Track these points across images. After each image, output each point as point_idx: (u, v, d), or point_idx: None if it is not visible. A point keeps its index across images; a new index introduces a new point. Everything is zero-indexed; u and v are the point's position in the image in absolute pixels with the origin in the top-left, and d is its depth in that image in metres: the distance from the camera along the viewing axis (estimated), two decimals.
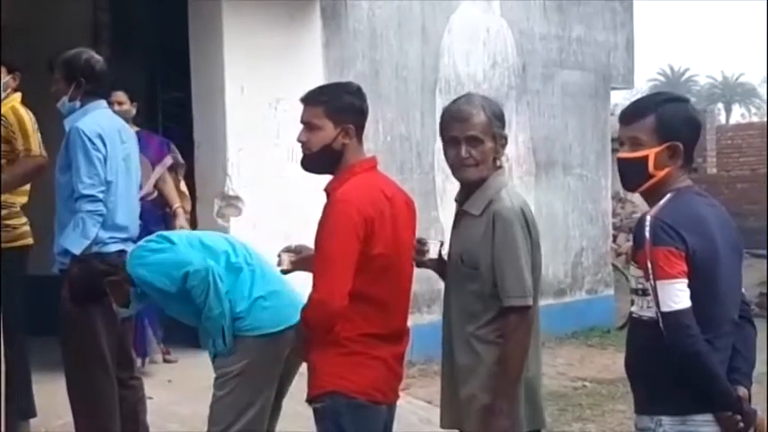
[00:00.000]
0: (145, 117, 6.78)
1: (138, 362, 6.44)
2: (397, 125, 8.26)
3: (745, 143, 19.72)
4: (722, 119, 51.98)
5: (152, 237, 4.20)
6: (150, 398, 6.06)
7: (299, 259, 3.76)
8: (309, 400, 3.54)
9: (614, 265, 11.01)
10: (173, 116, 7.51)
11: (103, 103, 4.77)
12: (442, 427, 3.57)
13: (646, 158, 3.02)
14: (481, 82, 9.02)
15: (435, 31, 8.67)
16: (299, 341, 3.66)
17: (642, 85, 64.81)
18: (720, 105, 65.20)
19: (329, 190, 3.55)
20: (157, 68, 8.23)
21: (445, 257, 3.55)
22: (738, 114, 65.84)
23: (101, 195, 4.49)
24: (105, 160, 4.54)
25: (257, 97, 6.99)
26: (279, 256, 3.81)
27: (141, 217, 6.37)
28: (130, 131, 4.91)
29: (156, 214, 6.57)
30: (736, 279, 3.07)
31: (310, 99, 3.58)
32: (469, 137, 3.39)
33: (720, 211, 3.10)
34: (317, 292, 3.42)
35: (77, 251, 4.43)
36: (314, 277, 3.47)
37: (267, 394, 4.09)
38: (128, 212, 4.72)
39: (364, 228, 3.42)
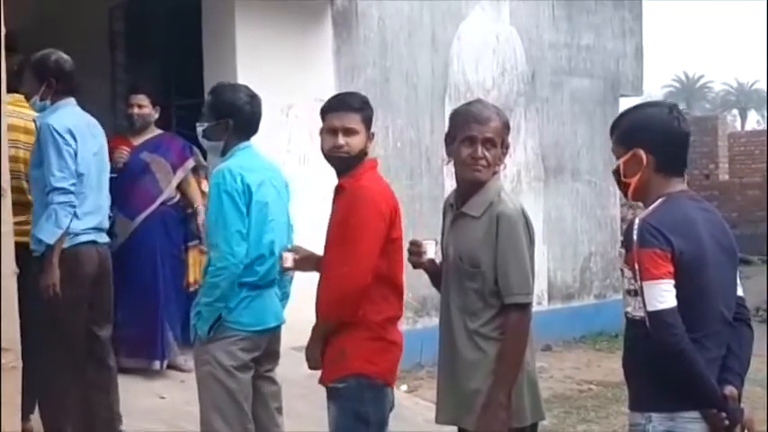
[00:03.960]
0: (159, 123, 6.90)
1: (156, 364, 6.58)
2: (407, 131, 8.39)
3: (758, 150, 19.66)
4: (738, 125, 51.86)
5: (239, 183, 4.22)
6: (163, 397, 6.20)
7: (301, 258, 4.09)
8: (332, 380, 3.79)
9: (622, 271, 11.07)
10: (186, 122, 7.65)
11: (73, 100, 4.92)
12: (438, 422, 3.70)
13: (618, 169, 3.18)
14: (490, 89, 9.13)
15: (445, 39, 8.78)
16: (316, 333, 3.90)
17: (657, 92, 64.94)
18: (736, 112, 65.03)
19: (346, 185, 3.87)
20: (171, 75, 8.37)
21: (436, 258, 3.71)
22: (754, 121, 65.64)
23: (72, 188, 4.66)
24: (76, 154, 4.71)
25: (269, 104, 6.99)
26: (281, 256, 4.14)
27: (162, 220, 6.56)
28: (99, 127, 5.04)
29: (176, 217, 6.69)
30: (729, 281, 3.15)
31: (347, 107, 3.93)
32: (486, 138, 3.54)
33: (713, 215, 3.19)
34: (343, 266, 3.72)
35: (51, 241, 4.61)
36: (337, 258, 3.78)
37: (235, 385, 4.26)
38: (99, 205, 4.91)
39: (389, 214, 3.82)
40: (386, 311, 3.83)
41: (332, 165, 3.98)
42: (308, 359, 3.94)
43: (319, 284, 3.99)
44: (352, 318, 3.76)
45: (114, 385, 5.11)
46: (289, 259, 4.08)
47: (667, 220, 3.04)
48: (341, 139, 3.87)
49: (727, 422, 2.98)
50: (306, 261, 4.10)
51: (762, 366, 8.30)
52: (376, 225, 3.77)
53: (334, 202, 4.00)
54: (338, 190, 3.93)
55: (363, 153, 3.94)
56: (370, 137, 3.97)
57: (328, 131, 3.92)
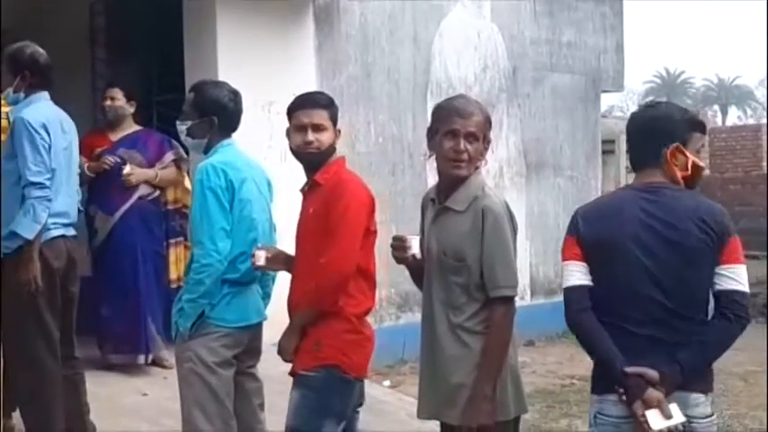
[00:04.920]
0: (140, 119, 6.89)
1: (141, 358, 6.58)
2: (389, 127, 8.39)
3: (739, 145, 19.80)
4: (719, 121, 52.16)
5: (224, 179, 4.21)
6: (146, 394, 6.19)
7: (273, 256, 4.09)
8: (304, 369, 3.81)
9: None
10: (167, 118, 7.64)
11: (46, 94, 4.90)
12: (420, 417, 3.73)
13: None
14: (472, 85, 9.14)
15: (426, 35, 8.79)
16: (295, 323, 3.92)
17: (638, 88, 65.27)
18: (716, 107, 65.38)
19: (321, 180, 3.91)
20: (152, 71, 8.35)
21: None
22: (735, 116, 66.06)
23: (48, 182, 4.65)
24: (50, 149, 4.70)
25: (250, 100, 6.99)
26: (253, 254, 4.10)
27: (141, 215, 6.55)
28: (71, 122, 5.01)
29: (157, 212, 6.69)
30: (671, 272, 3.15)
31: (315, 104, 3.98)
32: (469, 133, 3.55)
33: (661, 206, 3.21)
34: (326, 256, 3.76)
35: (30, 236, 4.60)
36: (318, 249, 3.81)
37: (217, 382, 4.24)
38: (68, 199, 4.90)
39: (370, 206, 3.90)
40: (363, 304, 3.90)
41: (302, 161, 4.00)
42: (282, 351, 3.95)
43: (294, 277, 4.01)
44: (332, 308, 3.80)
45: (81, 376, 5.10)
46: (261, 257, 4.07)
47: (588, 209, 3.32)
48: (310, 136, 3.91)
49: (624, 398, 3.11)
50: (276, 260, 4.12)
51: (742, 360, 8.37)
52: (359, 217, 3.85)
53: (306, 197, 4.02)
54: (312, 185, 3.97)
55: (332, 149, 3.99)
56: (336, 133, 4.03)
57: (296, 129, 3.96)
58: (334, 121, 4.01)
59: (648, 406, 3.07)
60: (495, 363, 3.47)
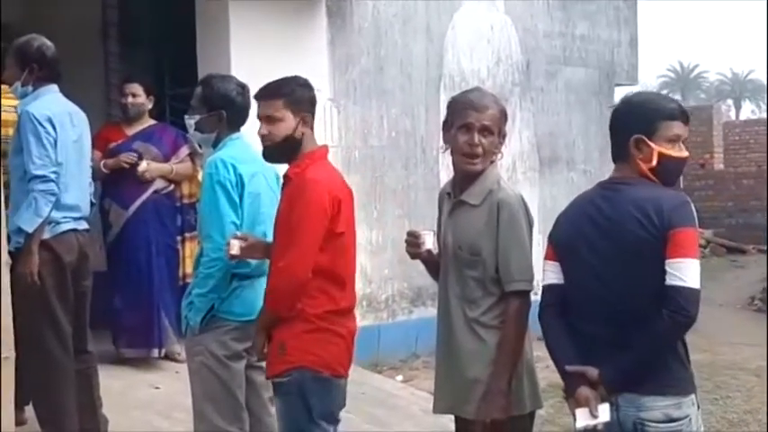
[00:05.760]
0: (152, 113, 6.89)
1: (155, 352, 6.59)
2: (402, 121, 8.37)
3: (753, 139, 19.72)
4: (732, 115, 52.01)
5: (229, 172, 4.19)
6: (158, 388, 6.19)
7: (248, 246, 4.00)
8: (275, 376, 3.75)
9: None
10: (180, 112, 7.64)
11: (55, 87, 4.90)
12: (436, 411, 3.70)
13: None
14: (485, 79, 9.09)
15: (439, 28, 8.75)
16: (259, 323, 3.88)
17: (652, 81, 65.05)
18: (730, 102, 65.19)
19: (291, 175, 3.79)
20: (165, 65, 8.35)
21: (433, 248, 3.69)
22: (749, 111, 65.82)
23: (53, 176, 4.63)
24: (56, 142, 4.69)
25: None
26: (228, 243, 4.01)
27: (156, 209, 6.55)
28: (82, 115, 5.01)
29: (171, 206, 6.68)
30: (619, 272, 3.09)
31: (267, 94, 3.82)
32: (483, 126, 3.53)
33: (613, 204, 3.15)
34: (283, 260, 3.66)
35: (30, 229, 4.60)
36: (279, 250, 3.72)
37: (228, 375, 4.25)
38: (79, 193, 4.90)
39: (332, 207, 3.70)
40: (324, 305, 3.72)
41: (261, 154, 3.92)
42: (254, 351, 3.94)
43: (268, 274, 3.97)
44: (290, 312, 3.70)
45: (95, 370, 5.11)
46: (235, 246, 3.98)
47: (566, 209, 3.33)
48: (263, 129, 3.81)
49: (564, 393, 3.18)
50: (253, 248, 4.02)
51: (754, 355, 8.33)
52: (317, 221, 3.68)
53: (282, 190, 3.93)
54: (285, 179, 3.87)
55: (293, 139, 3.79)
56: (304, 120, 3.82)
57: (259, 120, 3.86)
58: (294, 108, 3.80)
59: (578, 404, 3.07)
60: (511, 357, 3.46)
